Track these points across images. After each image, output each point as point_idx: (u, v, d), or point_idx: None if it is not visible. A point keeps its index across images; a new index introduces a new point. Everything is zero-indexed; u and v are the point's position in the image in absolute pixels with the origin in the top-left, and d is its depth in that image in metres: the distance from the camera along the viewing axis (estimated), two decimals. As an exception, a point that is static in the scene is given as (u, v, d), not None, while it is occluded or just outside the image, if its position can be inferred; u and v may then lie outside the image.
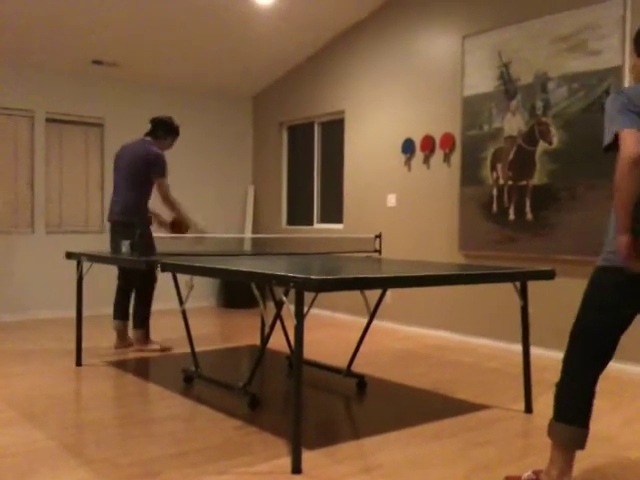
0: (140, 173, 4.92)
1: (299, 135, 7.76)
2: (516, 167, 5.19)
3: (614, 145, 2.16)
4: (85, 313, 4.98)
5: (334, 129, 7.18)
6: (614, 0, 4.52)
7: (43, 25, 5.88)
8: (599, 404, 3.56)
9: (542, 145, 5.00)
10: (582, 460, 2.75)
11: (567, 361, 2.39)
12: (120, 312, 5.10)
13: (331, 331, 6.12)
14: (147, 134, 5.11)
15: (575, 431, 2.30)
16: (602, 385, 2.41)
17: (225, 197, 8.06)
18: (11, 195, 6.58)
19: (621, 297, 2.29)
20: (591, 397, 2.33)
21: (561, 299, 4.88)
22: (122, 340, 5.09)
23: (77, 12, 5.72)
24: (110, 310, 5.27)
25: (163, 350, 5.09)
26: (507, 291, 3.62)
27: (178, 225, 4.97)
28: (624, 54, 4.46)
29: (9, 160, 5.84)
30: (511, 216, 5.21)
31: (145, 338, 5.08)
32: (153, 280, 5.08)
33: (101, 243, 6.89)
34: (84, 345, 4.97)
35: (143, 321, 5.06)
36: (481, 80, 5.44)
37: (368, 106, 6.62)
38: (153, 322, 6.50)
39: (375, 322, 4.26)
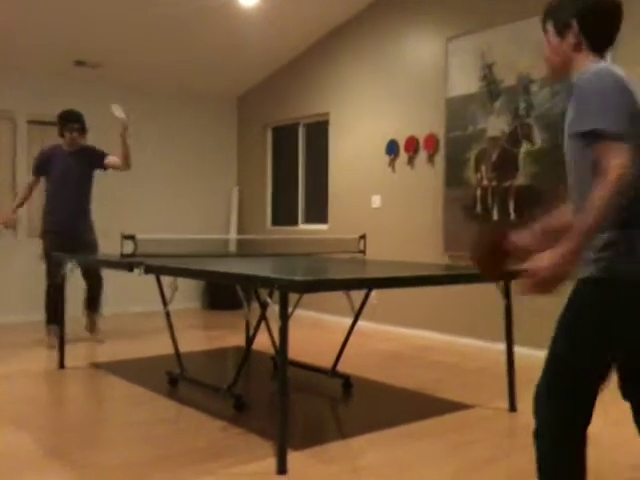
0: None
1: (284, 136, 7.76)
2: (499, 168, 5.22)
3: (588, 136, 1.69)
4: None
5: (319, 130, 7.19)
6: (595, 2, 4.56)
7: (24, 25, 5.82)
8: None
9: (525, 146, 5.04)
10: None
11: (549, 415, 1.81)
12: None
13: (316, 332, 6.12)
14: None
15: None
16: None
17: (210, 198, 8.03)
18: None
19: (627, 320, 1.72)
20: (585, 463, 1.78)
21: (544, 299, 4.90)
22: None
23: (60, 11, 5.67)
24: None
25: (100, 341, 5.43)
26: (491, 291, 3.64)
27: None
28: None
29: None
30: (495, 217, 5.24)
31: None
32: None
33: (84, 245, 6.84)
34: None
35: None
36: (465, 81, 5.47)
37: (352, 108, 6.63)
38: (138, 324, 6.46)
39: (360, 323, 4.27)
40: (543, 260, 1.69)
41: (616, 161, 1.62)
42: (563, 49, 1.85)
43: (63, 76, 6.85)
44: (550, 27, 1.88)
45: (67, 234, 5.16)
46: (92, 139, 7.09)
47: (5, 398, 3.72)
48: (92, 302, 5.48)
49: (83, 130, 5.32)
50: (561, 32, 1.85)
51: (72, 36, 6.13)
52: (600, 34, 1.85)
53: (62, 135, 5.25)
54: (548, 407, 1.83)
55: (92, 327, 5.54)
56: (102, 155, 5.39)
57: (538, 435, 1.85)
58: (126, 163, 5.23)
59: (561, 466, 1.80)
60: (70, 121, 5.21)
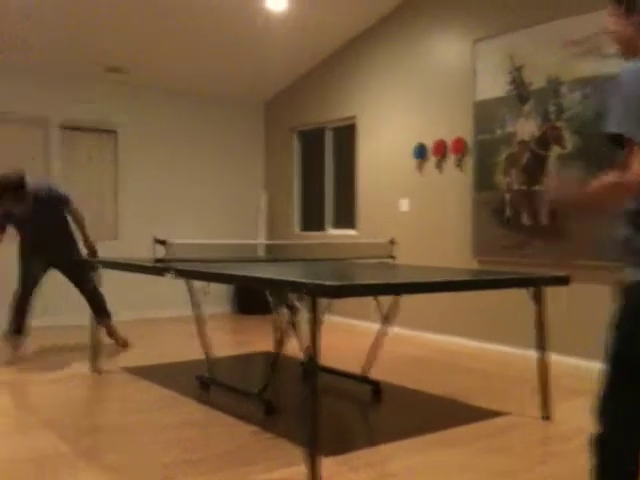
0: None
1: (311, 140, 7.77)
2: (529, 172, 5.17)
3: (620, 139, 1.69)
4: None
5: (346, 134, 7.19)
6: (627, 3, 4.50)
7: (57, 34, 5.93)
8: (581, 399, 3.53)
9: (555, 150, 4.98)
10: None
11: (609, 415, 1.79)
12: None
13: (345, 337, 6.11)
14: None
15: None
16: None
17: (238, 203, 8.08)
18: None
19: None
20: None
21: (578, 305, 4.84)
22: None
23: (91, 20, 5.77)
24: (123, 316, 5.32)
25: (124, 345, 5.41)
26: (522, 296, 3.60)
27: None
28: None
29: (24, 167, 5.84)
30: (525, 221, 5.19)
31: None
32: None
33: (115, 249, 6.93)
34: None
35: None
36: (493, 84, 5.43)
37: (380, 111, 6.62)
38: (169, 328, 6.52)
39: (390, 328, 4.25)
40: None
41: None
42: (628, 29, 1.77)
43: (95, 82, 6.96)
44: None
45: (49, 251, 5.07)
46: (124, 143, 7.20)
47: (40, 401, 3.79)
48: (97, 312, 5.13)
49: (18, 195, 4.77)
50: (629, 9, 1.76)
51: (103, 43, 6.22)
52: None
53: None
54: (612, 409, 1.79)
55: (111, 334, 5.40)
56: (60, 202, 5.09)
57: (601, 441, 1.81)
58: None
59: (622, 473, 1.77)
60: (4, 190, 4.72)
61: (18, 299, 4.96)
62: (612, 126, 1.67)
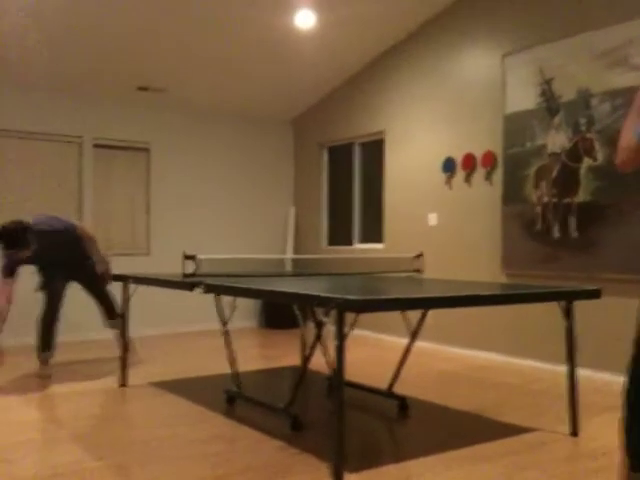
0: None
1: (339, 156, 7.80)
2: (560, 184, 5.11)
3: None
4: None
5: (374, 149, 7.20)
6: (657, 14, 4.45)
7: (90, 53, 6.07)
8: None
9: (587, 162, 4.92)
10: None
11: (631, 404, 2.10)
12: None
13: (372, 352, 6.09)
14: None
15: None
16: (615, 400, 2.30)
17: (267, 218, 8.14)
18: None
19: None
20: None
21: (608, 319, 4.76)
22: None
23: (123, 40, 5.90)
24: (152, 331, 5.33)
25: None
26: (552, 311, 3.55)
27: None
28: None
29: (58, 185, 6.01)
30: (555, 234, 5.12)
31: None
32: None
33: (147, 265, 7.03)
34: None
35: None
36: (522, 97, 5.40)
37: (408, 125, 6.62)
38: (197, 343, 6.56)
39: (417, 343, 4.22)
40: None
41: None
42: None
43: (127, 101, 7.10)
44: None
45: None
46: (156, 161, 7.32)
47: (69, 415, 3.84)
48: (108, 312, 5.27)
49: (21, 246, 4.70)
50: None
51: (135, 63, 6.35)
52: None
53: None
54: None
55: (123, 344, 5.04)
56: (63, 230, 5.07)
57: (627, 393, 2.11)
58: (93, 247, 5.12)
59: None
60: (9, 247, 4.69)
61: (44, 316, 5.03)
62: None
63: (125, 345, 4.67)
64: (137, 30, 5.75)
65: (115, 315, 5.27)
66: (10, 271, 4.80)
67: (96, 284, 5.20)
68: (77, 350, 6.12)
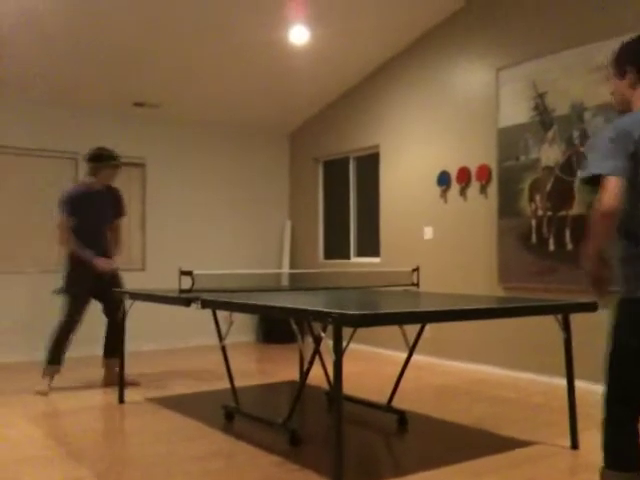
0: None
1: (335, 170, 7.84)
2: (554, 198, 5.14)
3: (593, 180, 2.14)
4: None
5: (369, 163, 7.23)
6: (649, 28, 4.50)
7: (86, 68, 6.11)
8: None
9: (580, 175, 4.95)
10: None
11: (608, 407, 2.24)
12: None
13: (370, 366, 6.08)
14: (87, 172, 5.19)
15: (628, 477, 2.16)
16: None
17: (263, 232, 8.15)
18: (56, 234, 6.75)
19: None
20: (638, 438, 2.19)
21: (604, 331, 4.76)
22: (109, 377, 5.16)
23: (120, 56, 5.93)
24: (149, 347, 5.32)
25: (134, 384, 5.09)
26: (549, 323, 3.56)
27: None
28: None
29: (54, 201, 5.97)
30: (551, 247, 5.15)
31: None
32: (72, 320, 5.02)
33: (142, 280, 7.01)
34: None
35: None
36: (516, 111, 5.44)
37: (403, 139, 6.66)
38: (194, 358, 6.55)
39: (415, 356, 4.22)
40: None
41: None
42: (623, 88, 2.26)
43: (122, 116, 7.11)
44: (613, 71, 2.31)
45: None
46: (152, 176, 7.33)
47: (66, 432, 3.82)
48: (110, 345, 5.18)
49: (119, 167, 5.26)
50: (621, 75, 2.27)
51: (130, 79, 6.39)
52: None
53: (99, 170, 5.10)
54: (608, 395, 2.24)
55: (111, 378, 5.12)
56: (122, 208, 5.43)
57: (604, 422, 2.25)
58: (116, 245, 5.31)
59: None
60: (113, 158, 5.12)
61: (64, 324, 4.93)
62: (583, 173, 2.15)
63: (122, 361, 4.65)
64: (134, 46, 5.79)
65: (114, 352, 5.05)
66: (74, 211, 5.02)
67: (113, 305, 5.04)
68: (78, 366, 6.10)
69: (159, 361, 6.20)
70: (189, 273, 3.73)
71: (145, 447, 3.51)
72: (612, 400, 2.22)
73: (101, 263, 5.02)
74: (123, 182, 7.23)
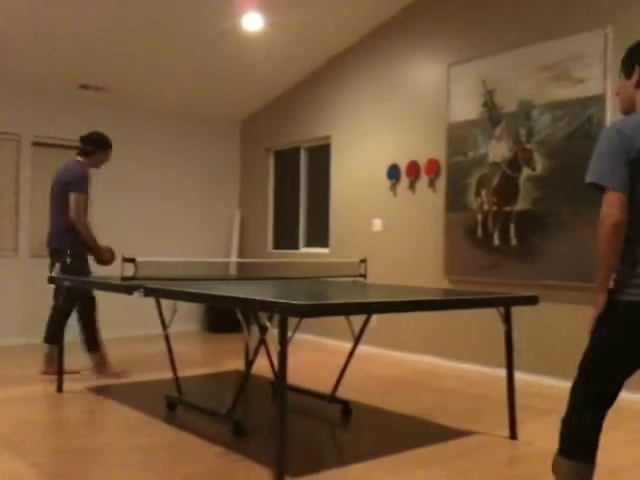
0: (64, 195, 4.86)
1: (286, 160, 7.80)
2: (500, 193, 5.23)
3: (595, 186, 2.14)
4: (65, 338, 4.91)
5: (320, 154, 7.22)
6: (596, 30, 4.61)
7: (30, 48, 5.89)
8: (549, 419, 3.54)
9: (526, 171, 5.05)
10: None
11: (574, 397, 2.24)
12: (52, 335, 4.92)
13: (316, 356, 6.09)
14: (77, 153, 5.10)
15: (579, 467, 2.17)
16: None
17: (212, 221, 8.05)
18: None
19: None
20: (598, 432, 2.20)
21: (546, 324, 4.89)
22: (50, 366, 4.93)
23: (65, 36, 5.74)
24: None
25: (121, 375, 4.99)
26: (492, 316, 3.63)
27: (93, 252, 4.98)
28: (606, 83, 4.54)
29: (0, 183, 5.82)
30: (496, 241, 5.24)
31: (104, 362, 4.98)
32: (93, 301, 4.96)
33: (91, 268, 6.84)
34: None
35: (97, 344, 4.94)
36: (466, 107, 5.51)
37: (354, 132, 6.67)
38: (139, 347, 6.43)
39: (361, 347, 4.25)
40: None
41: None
42: (630, 89, 2.28)
43: (69, 99, 6.91)
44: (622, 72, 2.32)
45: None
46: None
47: (2, 422, 3.70)
48: (85, 341, 5.03)
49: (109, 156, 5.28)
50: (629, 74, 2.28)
51: (77, 60, 6.20)
52: None
53: (96, 154, 5.07)
54: (577, 388, 2.23)
55: (59, 347, 4.93)
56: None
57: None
58: (74, 222, 4.88)
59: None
60: (110, 146, 5.17)
61: (90, 311, 4.91)
62: (589, 177, 2.12)
63: (61, 349, 4.53)
64: (79, 26, 5.61)
65: (94, 348, 4.98)
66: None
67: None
68: (11, 354, 5.92)
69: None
70: (132, 260, 3.65)
71: (84, 438, 3.42)
72: (583, 391, 2.21)
73: (107, 254, 4.98)
74: (67, 166, 7.04)
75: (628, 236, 2.14)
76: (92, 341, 4.94)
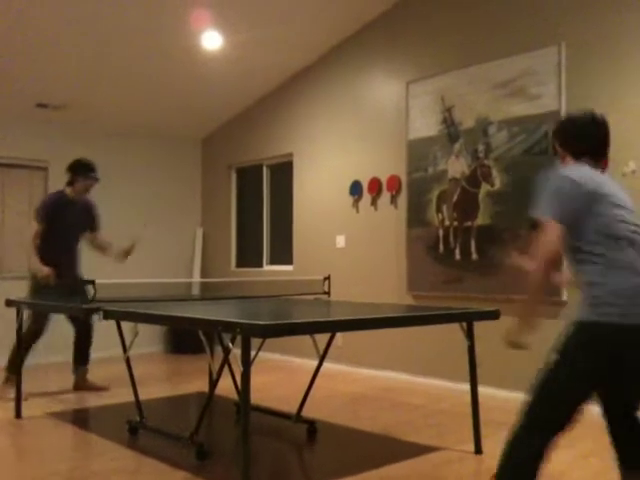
0: None
1: (248, 177, 7.77)
2: (460, 208, 5.29)
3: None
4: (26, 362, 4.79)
5: (283, 171, 7.22)
6: (550, 48, 4.71)
7: (-15, 68, 5.79)
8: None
9: (485, 187, 5.12)
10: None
11: (529, 418, 2.20)
12: (81, 357, 5.37)
13: (281, 375, 6.04)
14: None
15: None
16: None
17: (174, 240, 7.96)
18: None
19: (619, 361, 2.10)
20: (542, 463, 2.14)
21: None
22: (84, 380, 5.34)
23: (20, 55, 5.65)
24: (52, 358, 5.20)
25: (102, 389, 5.26)
26: (455, 331, 3.66)
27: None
28: (561, 99, 4.64)
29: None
30: (457, 257, 5.29)
31: (7, 387, 4.92)
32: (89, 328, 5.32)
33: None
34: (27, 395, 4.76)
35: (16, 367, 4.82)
36: (425, 124, 5.57)
37: (316, 149, 6.69)
38: (97, 370, 6.30)
39: (326, 365, 4.23)
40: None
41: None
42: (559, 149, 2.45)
43: (24, 118, 6.78)
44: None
45: (69, 281, 5.03)
46: (55, 180, 7.02)
47: (-44, 452, 3.57)
48: (82, 354, 5.38)
49: (97, 181, 5.36)
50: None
51: (33, 79, 6.09)
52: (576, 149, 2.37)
53: (75, 181, 5.19)
54: (530, 418, 2.24)
55: (82, 383, 5.34)
56: (97, 222, 5.54)
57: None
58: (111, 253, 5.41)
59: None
60: (92, 170, 5.22)
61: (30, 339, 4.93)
62: (537, 212, 2.23)
63: (19, 375, 4.41)
64: (37, 43, 5.53)
65: (86, 361, 5.41)
66: (47, 218, 5.09)
67: None
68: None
69: (64, 374, 5.90)
70: (91, 282, 3.58)
71: (44, 464, 3.33)
72: (535, 419, 2.19)
73: (44, 270, 4.94)
74: (23, 185, 6.92)
75: (584, 259, 2.18)
76: (12, 362, 4.83)
